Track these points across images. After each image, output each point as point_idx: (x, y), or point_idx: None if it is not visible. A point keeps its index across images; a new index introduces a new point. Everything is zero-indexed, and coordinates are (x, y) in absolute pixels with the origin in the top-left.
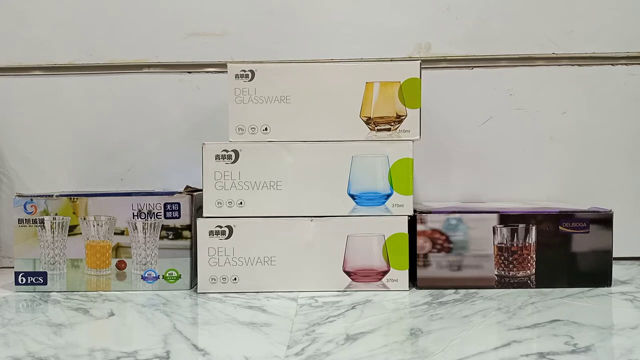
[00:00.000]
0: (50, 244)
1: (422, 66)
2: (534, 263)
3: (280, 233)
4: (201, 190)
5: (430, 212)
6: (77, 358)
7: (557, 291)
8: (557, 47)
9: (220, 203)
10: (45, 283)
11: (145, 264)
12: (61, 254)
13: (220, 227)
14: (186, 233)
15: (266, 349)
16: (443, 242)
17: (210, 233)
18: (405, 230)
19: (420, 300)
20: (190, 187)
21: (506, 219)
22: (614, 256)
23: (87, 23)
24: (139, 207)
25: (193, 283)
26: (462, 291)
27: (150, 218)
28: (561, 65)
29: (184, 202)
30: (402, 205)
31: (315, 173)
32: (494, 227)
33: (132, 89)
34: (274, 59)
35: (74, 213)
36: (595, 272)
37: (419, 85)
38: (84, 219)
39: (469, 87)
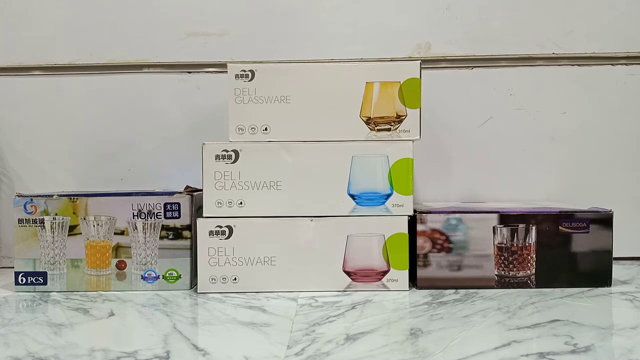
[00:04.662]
0: (50, 244)
1: (422, 66)
2: (534, 263)
3: (280, 233)
4: (201, 190)
5: (430, 212)
6: (77, 358)
7: (557, 291)
8: (557, 47)
9: (220, 203)
10: (45, 283)
11: (145, 264)
12: (61, 254)
13: (220, 227)
14: (186, 233)
15: (266, 349)
16: (443, 242)
17: (210, 233)
18: (405, 230)
19: (420, 300)
20: (190, 187)
21: (506, 219)
22: (614, 256)
23: (87, 23)
24: (139, 207)
25: (193, 283)
26: (462, 291)
27: (150, 218)
28: (561, 65)
29: (184, 202)
30: (402, 205)
31: (315, 173)
32: (494, 227)
33: (132, 89)
34: (274, 59)
35: (74, 213)
36: (595, 272)
37: (419, 85)
38: (84, 219)
39: (469, 87)
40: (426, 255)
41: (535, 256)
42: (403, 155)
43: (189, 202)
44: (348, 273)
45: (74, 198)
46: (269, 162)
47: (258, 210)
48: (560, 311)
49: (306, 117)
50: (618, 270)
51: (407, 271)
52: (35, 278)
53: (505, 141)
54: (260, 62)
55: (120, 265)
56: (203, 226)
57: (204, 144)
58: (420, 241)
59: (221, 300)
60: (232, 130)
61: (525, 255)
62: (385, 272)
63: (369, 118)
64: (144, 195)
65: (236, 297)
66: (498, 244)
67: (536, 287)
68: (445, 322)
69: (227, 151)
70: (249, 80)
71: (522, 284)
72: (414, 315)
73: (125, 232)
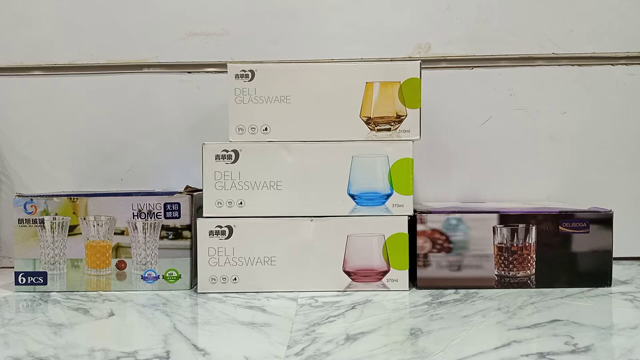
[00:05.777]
0: (50, 244)
1: (422, 66)
2: (534, 263)
3: (280, 233)
4: (201, 190)
5: (430, 212)
6: (77, 358)
7: (557, 291)
8: (557, 47)
9: (220, 203)
10: (45, 283)
11: (145, 264)
12: (61, 254)
13: (220, 227)
14: (186, 233)
15: (266, 349)
16: (443, 242)
17: (210, 233)
18: (405, 230)
19: (420, 300)
20: (190, 187)
21: (506, 219)
22: (614, 256)
23: (87, 23)
24: (139, 207)
25: (193, 283)
26: (462, 291)
27: (150, 218)
28: (561, 65)
29: (184, 202)
30: (402, 205)
31: (315, 173)
32: (494, 227)
33: (132, 89)
34: (274, 59)
35: (74, 213)
36: (595, 272)
37: (419, 85)
38: (84, 219)
39: (469, 87)
40: (426, 255)
41: (535, 256)
42: (403, 155)
43: (189, 202)
44: (348, 273)
45: (74, 198)
46: (269, 162)
47: (258, 210)
48: (560, 311)
49: (306, 117)
50: (618, 270)
51: (407, 271)
52: (35, 278)
53: (505, 141)
54: (260, 62)
55: (120, 265)
56: (203, 226)
57: (204, 144)
58: (420, 241)
59: (221, 300)
60: (232, 130)
61: (525, 255)
62: (385, 272)
63: (369, 118)
64: (144, 195)
65: (236, 297)
66: (498, 244)
67: (536, 287)
68: (445, 322)
69: (227, 151)
70: (249, 80)
71: (522, 284)
72: (414, 315)
73: (125, 232)
